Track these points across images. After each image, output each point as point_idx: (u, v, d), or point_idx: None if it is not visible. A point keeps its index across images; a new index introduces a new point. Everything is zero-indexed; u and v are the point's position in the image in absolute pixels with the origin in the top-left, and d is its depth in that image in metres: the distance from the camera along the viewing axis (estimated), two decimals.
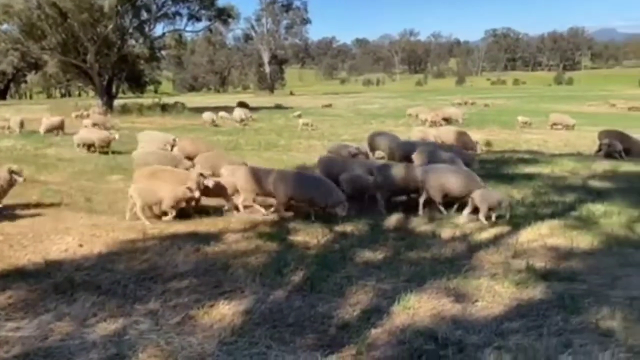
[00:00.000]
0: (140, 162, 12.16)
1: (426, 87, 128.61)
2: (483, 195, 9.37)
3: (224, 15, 46.65)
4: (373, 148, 16.16)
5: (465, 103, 48.32)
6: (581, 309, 5.50)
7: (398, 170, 10.46)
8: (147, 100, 45.74)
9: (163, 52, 50.99)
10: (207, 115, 29.81)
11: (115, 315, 5.27)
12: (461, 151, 13.92)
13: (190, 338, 4.84)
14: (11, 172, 9.47)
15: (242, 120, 30.37)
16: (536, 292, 6.02)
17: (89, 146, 17.40)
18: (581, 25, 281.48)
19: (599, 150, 17.78)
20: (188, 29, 47.35)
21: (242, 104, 43.16)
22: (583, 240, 8.02)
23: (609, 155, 17.08)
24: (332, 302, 5.68)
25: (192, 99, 59.69)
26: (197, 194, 9.37)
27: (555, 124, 27.63)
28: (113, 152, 16.95)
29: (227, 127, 28.04)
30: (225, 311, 5.43)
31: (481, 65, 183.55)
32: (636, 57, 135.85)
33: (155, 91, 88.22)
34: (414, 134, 18.29)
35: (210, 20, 47.11)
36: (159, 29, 45.61)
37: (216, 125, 28.38)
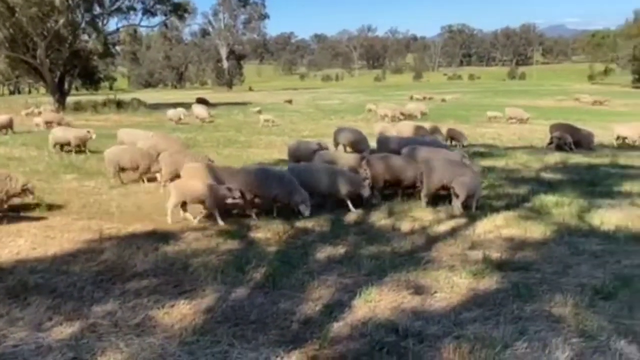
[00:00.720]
0: (112, 159, 11.94)
1: (385, 83, 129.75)
2: (463, 183, 9.55)
3: (180, 10, 45.86)
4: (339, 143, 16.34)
5: (424, 98, 49.11)
6: (535, 297, 5.71)
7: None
8: (101, 97, 44.54)
9: (117, 48, 49.79)
10: (173, 113, 28.58)
11: (72, 318, 5.13)
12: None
13: (151, 339, 4.77)
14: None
15: (203, 118, 29.51)
16: (492, 281, 6.21)
17: (62, 145, 16.62)
18: (532, 21, 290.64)
19: (550, 142, 18.40)
20: (143, 24, 46.50)
21: (201, 101, 42.57)
22: (536, 230, 8.31)
23: (560, 147, 17.70)
24: (294, 298, 5.70)
25: (149, 96, 58.40)
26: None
27: (511, 117, 28.38)
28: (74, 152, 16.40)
29: (185, 124, 27.58)
30: (186, 311, 5.37)
31: (438, 60, 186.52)
32: (584, 53, 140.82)
33: (110, 88, 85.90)
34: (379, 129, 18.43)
35: (165, 15, 46.22)
36: (112, 24, 44.59)
37: (178, 123, 27.54)
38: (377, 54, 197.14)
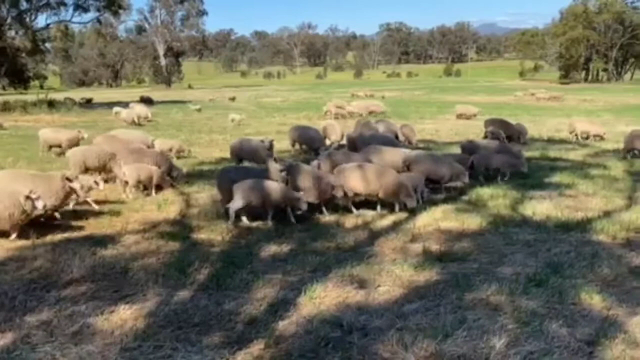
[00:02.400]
0: (78, 159, 11.43)
1: (326, 80, 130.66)
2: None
3: (114, 6, 44.37)
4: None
5: (366, 95, 49.74)
6: (473, 287, 5.93)
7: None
8: (31, 96, 42.32)
9: (48, 45, 47.52)
10: (126, 114, 26.25)
11: (3, 329, 4.88)
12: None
13: (89, 347, 4.60)
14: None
15: (145, 117, 28.15)
16: (433, 273, 6.39)
17: (51, 147, 15.66)
18: (466, 20, 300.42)
19: (485, 137, 19.08)
20: (75, 20, 44.54)
21: (144, 100, 41.32)
22: (473, 222, 8.62)
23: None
24: (239, 299, 5.66)
25: (83, 94, 56.08)
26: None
27: (460, 114, 28.91)
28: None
29: (121, 124, 26.69)
30: (127, 316, 5.22)
31: (377, 58, 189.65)
32: (515, 50, 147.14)
33: (41, 87, 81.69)
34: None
35: (99, 10, 44.63)
36: (42, 20, 42.56)
37: (137, 124, 25.83)
38: (318, 51, 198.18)
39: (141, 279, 6.18)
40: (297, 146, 16.62)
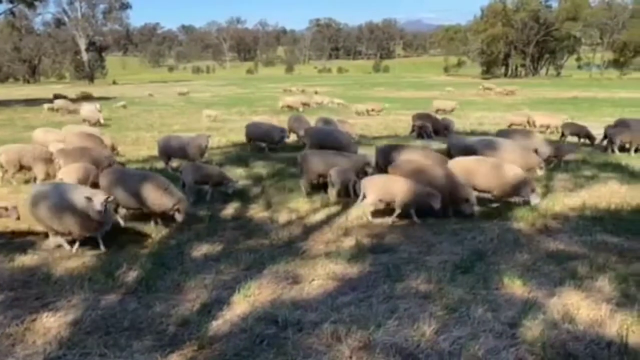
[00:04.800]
0: (12, 157, 10.96)
1: (257, 75, 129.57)
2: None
3: None
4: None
5: (298, 91, 49.76)
6: (404, 276, 6.10)
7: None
8: None
9: None
10: (89, 113, 23.47)
11: None
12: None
13: (9, 359, 4.34)
14: None
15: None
16: (365, 265, 6.52)
17: None
18: (393, 16, 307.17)
19: (413, 131, 19.66)
20: None
21: (87, 97, 39.26)
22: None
23: (420, 135, 18.98)
24: (170, 300, 5.52)
25: None
26: None
27: (438, 109, 29.23)
28: None
29: (40, 120, 25.25)
30: (50, 324, 4.97)
31: (308, 53, 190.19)
32: (440, 47, 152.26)
33: None
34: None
35: (12, 2, 41.89)
36: None
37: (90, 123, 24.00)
38: (247, 46, 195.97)
39: (65, 284, 5.90)
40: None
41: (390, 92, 50.80)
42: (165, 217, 8.30)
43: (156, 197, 8.07)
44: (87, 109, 24.54)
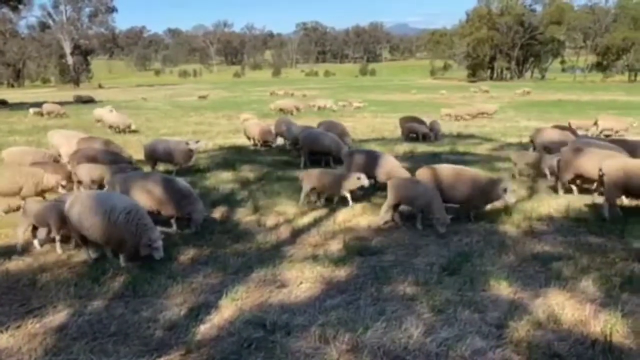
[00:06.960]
0: (12, 159, 11.00)
1: (244, 79, 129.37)
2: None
3: (13, 1, 41.34)
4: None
5: (286, 94, 49.77)
6: (391, 279, 6.13)
7: None
8: None
9: None
10: (117, 119, 22.39)
11: None
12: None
13: None
14: None
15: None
16: (353, 267, 6.54)
17: None
18: (380, 20, 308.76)
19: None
20: None
21: (80, 98, 38.75)
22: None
23: (408, 138, 19.09)
24: (157, 305, 5.49)
25: None
26: None
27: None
28: None
29: (25, 126, 25.01)
30: (35, 330, 4.93)
31: (295, 57, 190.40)
32: (426, 50, 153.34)
33: None
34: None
35: None
36: None
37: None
38: (234, 49, 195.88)
39: (51, 290, 5.85)
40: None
41: (377, 95, 50.98)
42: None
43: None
44: (115, 114, 23.26)
